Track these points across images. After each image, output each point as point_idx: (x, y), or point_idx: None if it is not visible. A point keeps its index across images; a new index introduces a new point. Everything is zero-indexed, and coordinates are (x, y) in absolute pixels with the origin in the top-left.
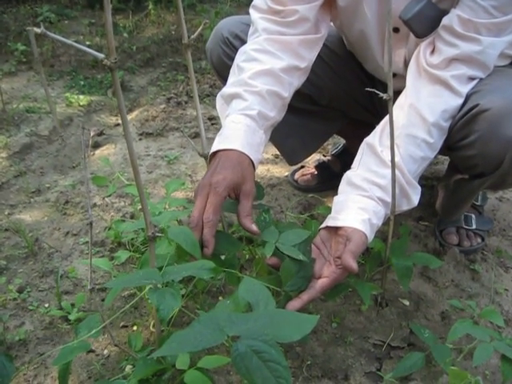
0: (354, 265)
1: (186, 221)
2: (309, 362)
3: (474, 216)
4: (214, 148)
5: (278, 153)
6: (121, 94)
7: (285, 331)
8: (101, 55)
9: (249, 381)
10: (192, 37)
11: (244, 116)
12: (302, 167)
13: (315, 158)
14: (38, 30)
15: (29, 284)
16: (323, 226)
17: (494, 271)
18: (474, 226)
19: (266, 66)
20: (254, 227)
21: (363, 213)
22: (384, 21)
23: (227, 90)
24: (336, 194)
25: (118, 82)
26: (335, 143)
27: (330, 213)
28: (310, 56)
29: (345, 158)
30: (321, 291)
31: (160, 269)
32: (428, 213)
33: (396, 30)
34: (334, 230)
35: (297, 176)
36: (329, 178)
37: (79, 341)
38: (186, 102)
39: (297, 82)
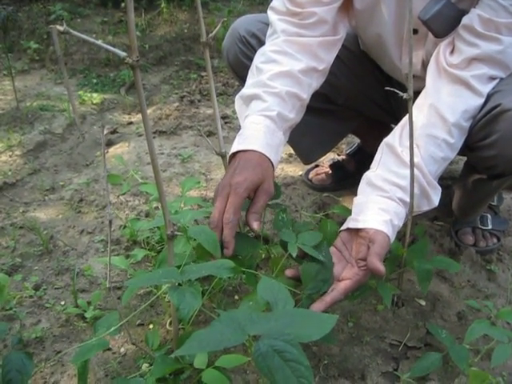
0: (381, 267)
1: (201, 221)
2: (325, 362)
3: (489, 216)
4: (233, 149)
5: (292, 152)
6: (142, 92)
7: (305, 331)
8: (123, 53)
9: (270, 380)
10: (210, 35)
11: (264, 117)
12: (317, 166)
13: (329, 157)
14: (60, 28)
15: (45, 282)
16: (344, 227)
17: (510, 271)
18: (489, 227)
19: (285, 68)
20: (255, 225)
21: (384, 214)
22: (401, 23)
23: (246, 91)
24: (351, 193)
25: (140, 80)
26: (349, 142)
27: (345, 212)
28: (328, 58)
29: (359, 158)
30: (344, 293)
31: (178, 267)
32: (443, 212)
33: (415, 31)
34: (355, 232)
35: (311, 175)
36: (343, 178)
37: (98, 338)
38: (199, 101)
39: (315, 83)
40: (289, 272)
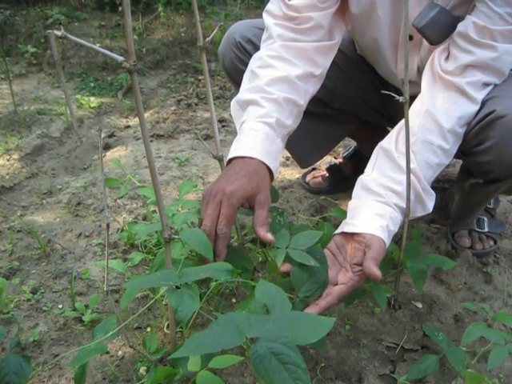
0: (377, 272)
1: (196, 223)
2: (323, 365)
3: (486, 219)
4: (231, 154)
5: (289, 155)
6: (139, 95)
7: (302, 333)
8: (120, 58)
9: (268, 383)
10: (207, 39)
11: (262, 124)
12: (314, 170)
13: (326, 160)
14: (58, 33)
15: (42, 285)
16: (338, 231)
17: (506, 274)
18: (486, 229)
19: (283, 73)
20: (269, 236)
21: (381, 219)
22: (396, 28)
23: (243, 95)
24: (348, 196)
25: (137, 84)
26: (346, 146)
27: (342, 215)
28: (324, 63)
29: (356, 161)
30: (338, 298)
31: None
32: (440, 215)
33: (409, 37)
34: (350, 236)
35: (308, 178)
36: (340, 181)
37: (96, 343)
38: (196, 104)
39: (312, 88)
40: (284, 267)
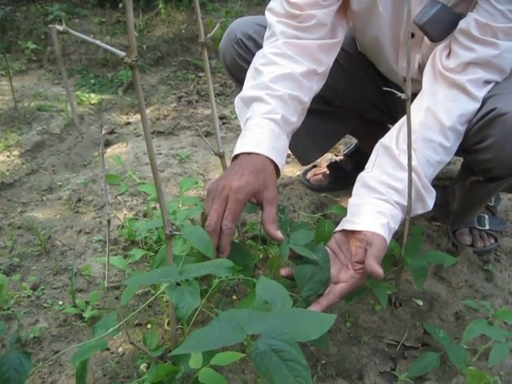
0: (379, 270)
1: (197, 219)
2: (323, 362)
3: (487, 216)
4: (237, 150)
5: (289, 152)
6: (141, 91)
7: (303, 330)
8: (122, 53)
9: (268, 380)
10: (209, 35)
11: (268, 120)
12: (314, 167)
13: (327, 157)
14: (60, 28)
15: (42, 281)
16: (339, 229)
17: (507, 272)
18: (487, 227)
19: (287, 70)
20: (279, 234)
21: (381, 217)
22: (398, 26)
23: (247, 92)
24: (349, 193)
25: (139, 80)
26: (347, 143)
27: (343, 212)
28: (328, 61)
29: (357, 158)
30: (340, 296)
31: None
32: (440, 213)
33: (411, 34)
34: (351, 234)
35: (309, 175)
36: (341, 178)
37: (96, 339)
38: (196, 101)
39: (316, 86)
40: (284, 271)
